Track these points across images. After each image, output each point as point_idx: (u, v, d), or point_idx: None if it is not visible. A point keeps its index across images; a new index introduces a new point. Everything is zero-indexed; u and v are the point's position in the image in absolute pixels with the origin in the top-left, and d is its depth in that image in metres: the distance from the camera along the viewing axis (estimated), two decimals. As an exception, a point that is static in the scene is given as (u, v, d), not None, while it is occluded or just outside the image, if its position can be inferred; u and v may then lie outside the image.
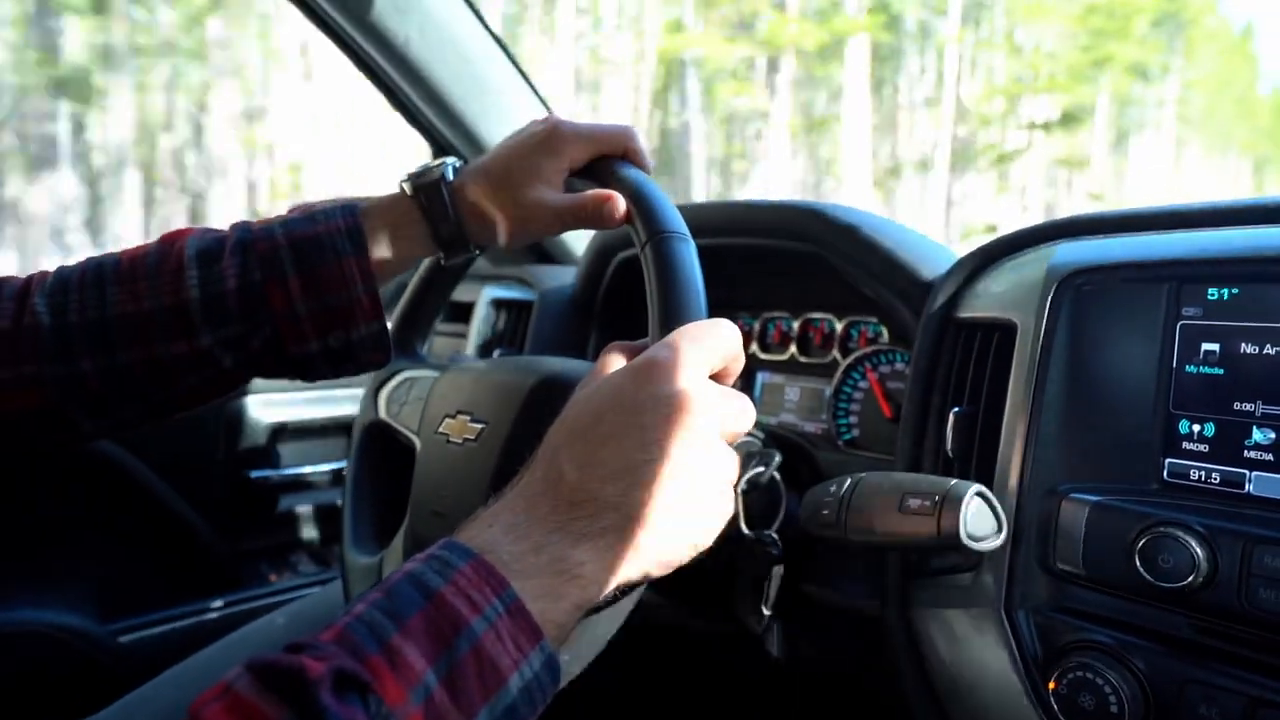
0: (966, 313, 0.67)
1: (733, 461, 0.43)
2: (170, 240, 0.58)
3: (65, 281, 0.56)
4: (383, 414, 0.81)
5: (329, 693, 0.30)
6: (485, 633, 0.34)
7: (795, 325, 1.00)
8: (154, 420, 0.59)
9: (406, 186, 0.60)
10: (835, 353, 0.95)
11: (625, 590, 0.41)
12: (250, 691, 0.30)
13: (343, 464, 0.86)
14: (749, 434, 0.74)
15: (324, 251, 0.56)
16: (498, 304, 1.16)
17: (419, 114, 1.05)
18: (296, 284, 0.56)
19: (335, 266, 0.56)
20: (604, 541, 0.39)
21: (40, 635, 0.99)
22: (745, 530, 0.69)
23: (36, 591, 1.03)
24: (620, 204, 0.56)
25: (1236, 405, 0.51)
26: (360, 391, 0.86)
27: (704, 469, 0.41)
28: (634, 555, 0.39)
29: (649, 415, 0.40)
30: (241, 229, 0.58)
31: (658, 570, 0.41)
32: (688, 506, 0.40)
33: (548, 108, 1.13)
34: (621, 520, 0.39)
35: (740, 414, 0.44)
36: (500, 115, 1.08)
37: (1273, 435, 0.50)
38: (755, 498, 0.71)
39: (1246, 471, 0.51)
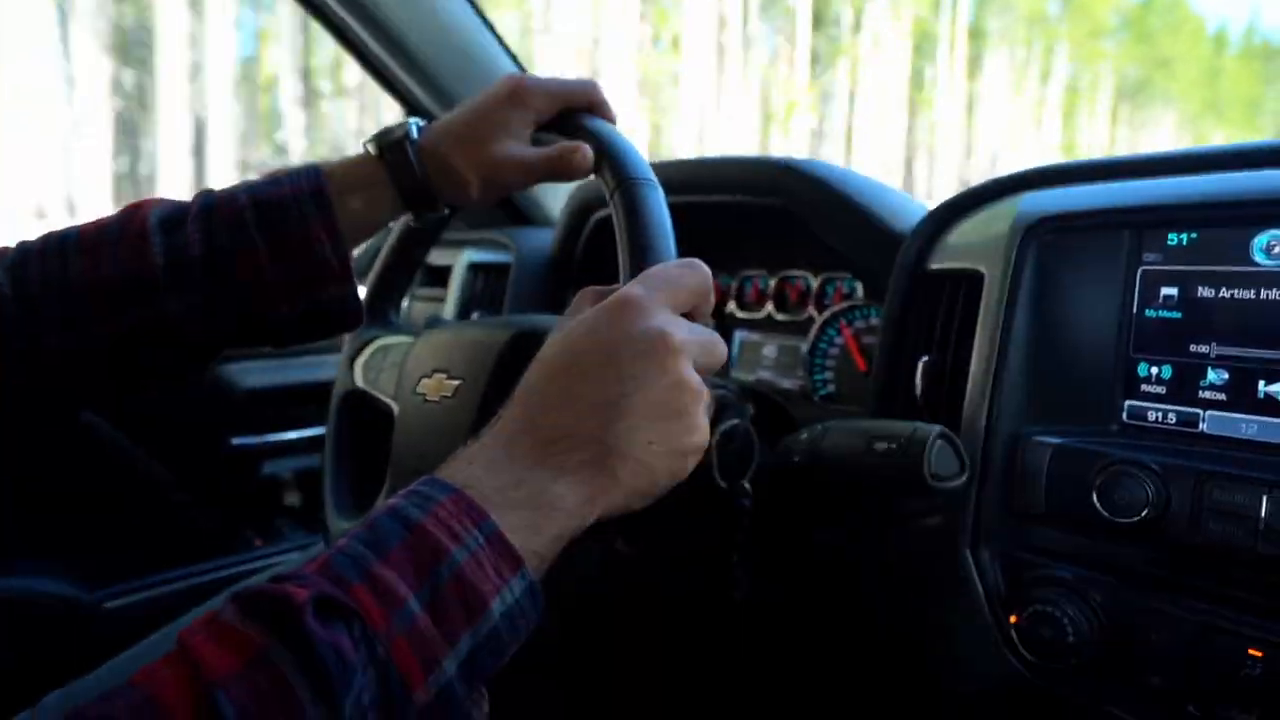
0: (936, 264, 0.68)
1: (707, 395, 0.44)
2: (132, 209, 0.57)
3: (26, 254, 0.55)
4: (359, 382, 0.81)
5: (313, 618, 0.31)
6: (466, 561, 0.35)
7: (772, 283, 1.01)
8: (126, 393, 0.59)
9: (371, 147, 0.60)
10: (811, 309, 0.96)
11: (604, 522, 0.42)
12: (236, 619, 0.31)
13: (323, 430, 0.87)
14: (723, 386, 0.75)
15: (289, 214, 0.56)
16: (475, 267, 1.15)
17: (389, 74, 1.04)
18: (263, 248, 0.55)
19: (301, 229, 0.56)
20: (583, 475, 0.40)
21: (27, 603, 0.99)
22: (719, 481, 0.71)
23: (22, 560, 1.03)
24: (588, 153, 0.56)
25: (1193, 347, 0.53)
26: (337, 355, 0.86)
27: (678, 402, 0.42)
28: (613, 487, 0.40)
29: (623, 351, 0.41)
30: (205, 195, 0.58)
31: (637, 502, 0.42)
32: (664, 439, 0.41)
33: (520, 66, 1.12)
34: (600, 454, 0.40)
35: (713, 348, 0.45)
36: (472, 75, 1.07)
37: (1226, 376, 0.52)
38: (730, 449, 0.72)
39: (1200, 411, 0.52)
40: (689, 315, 0.46)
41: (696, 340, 0.43)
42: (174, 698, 0.29)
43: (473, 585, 0.35)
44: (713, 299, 0.47)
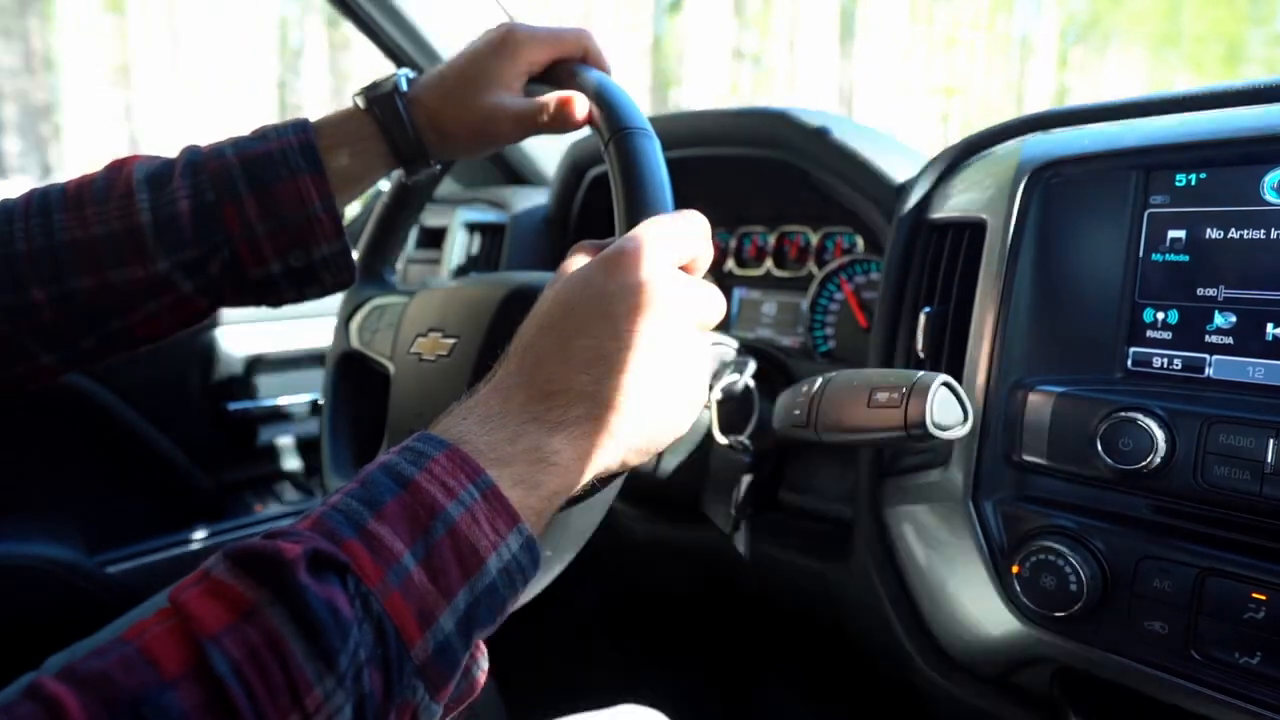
0: (937, 214, 0.67)
1: (705, 348, 0.44)
2: (117, 166, 0.56)
3: (9, 212, 0.54)
4: (355, 343, 0.81)
5: (306, 573, 0.30)
6: (461, 516, 0.34)
7: (771, 240, 0.99)
8: (116, 352, 0.58)
9: (359, 100, 0.58)
10: (811, 265, 0.95)
11: (604, 480, 0.41)
12: (228, 575, 0.31)
13: (319, 395, 0.86)
14: (723, 344, 0.74)
15: (277, 169, 0.55)
16: (471, 227, 1.14)
17: (374, 25, 1.01)
18: (252, 202, 0.54)
19: (290, 184, 0.55)
20: (580, 429, 0.39)
21: (29, 569, 1.00)
22: (719, 436, 0.70)
23: (23, 525, 1.03)
24: (582, 104, 0.55)
25: (1200, 291, 0.52)
26: (334, 320, 0.85)
27: (676, 356, 0.41)
28: (610, 442, 0.40)
29: (619, 305, 0.40)
30: (191, 151, 0.57)
31: (635, 458, 0.42)
32: (662, 393, 0.41)
33: (508, 15, 1.09)
34: (596, 408, 0.39)
35: (710, 302, 0.44)
36: (459, 24, 1.04)
37: (1233, 319, 0.51)
38: (730, 405, 0.72)
39: (1207, 356, 0.51)
40: (686, 268, 0.45)
41: (694, 293, 0.42)
42: (166, 651, 0.28)
43: (469, 542, 0.34)
44: (710, 251, 0.46)
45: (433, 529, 0.34)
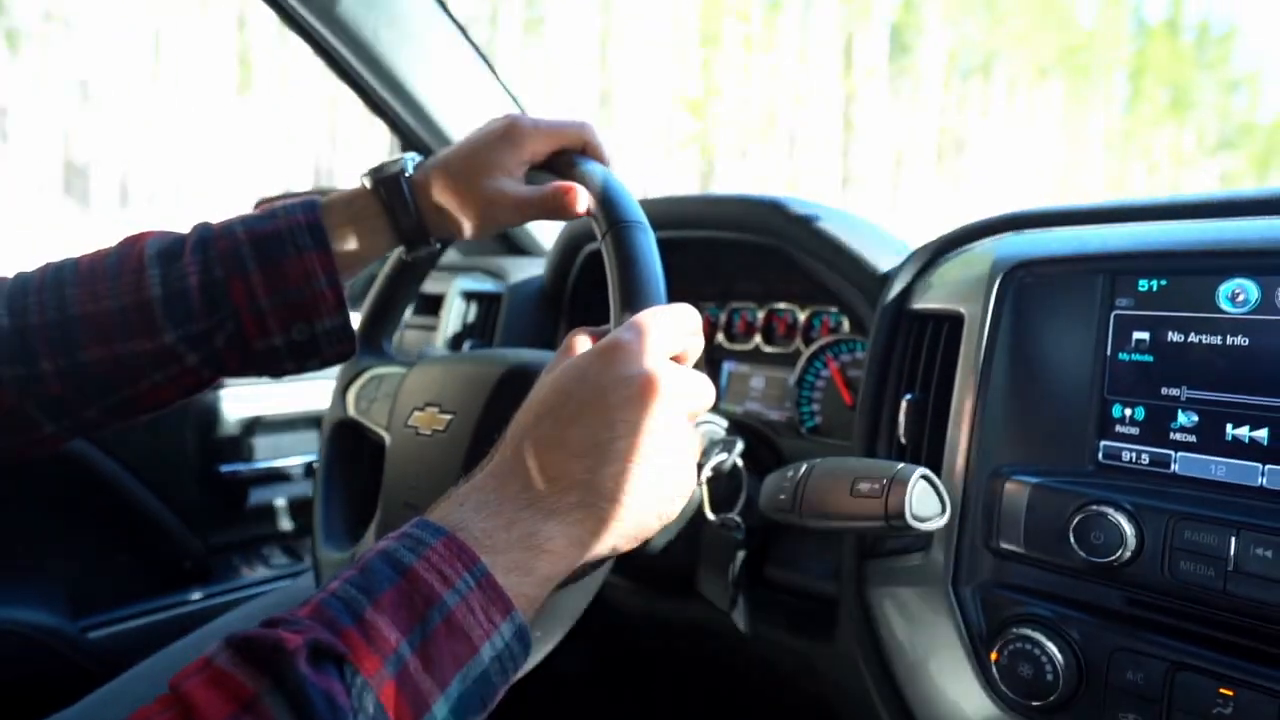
0: (919, 304, 0.70)
1: (695, 437, 0.46)
2: (130, 242, 0.58)
3: (24, 285, 0.56)
4: (351, 412, 0.82)
5: (306, 663, 0.31)
6: (457, 605, 0.36)
7: (760, 315, 1.02)
8: (117, 422, 0.59)
9: (367, 181, 0.61)
10: (799, 342, 0.98)
11: (594, 564, 0.43)
12: (230, 665, 0.32)
13: (314, 457, 0.87)
14: (712, 422, 0.76)
15: (285, 246, 0.57)
16: (468, 296, 1.17)
17: (386, 108, 1.06)
18: (259, 278, 0.56)
19: (297, 261, 0.57)
20: (573, 517, 0.41)
21: (9, 633, 0.98)
22: (710, 514, 0.72)
23: (5, 589, 1.02)
24: (581, 194, 0.57)
25: (1164, 390, 0.55)
26: (331, 383, 0.87)
27: (668, 445, 0.43)
28: (602, 530, 0.41)
29: (614, 395, 0.42)
30: (202, 228, 0.59)
31: (626, 544, 0.43)
32: (653, 482, 0.42)
33: (518, 104, 1.14)
34: (589, 496, 0.41)
35: (701, 392, 0.46)
36: (467, 111, 1.08)
37: (1196, 418, 0.53)
38: (719, 483, 0.73)
39: (1172, 452, 0.54)
40: (678, 359, 0.47)
41: (685, 384, 0.44)
42: None
43: (463, 631, 0.36)
44: (701, 342, 0.49)
45: (429, 618, 0.35)
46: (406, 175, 0.61)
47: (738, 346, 1.04)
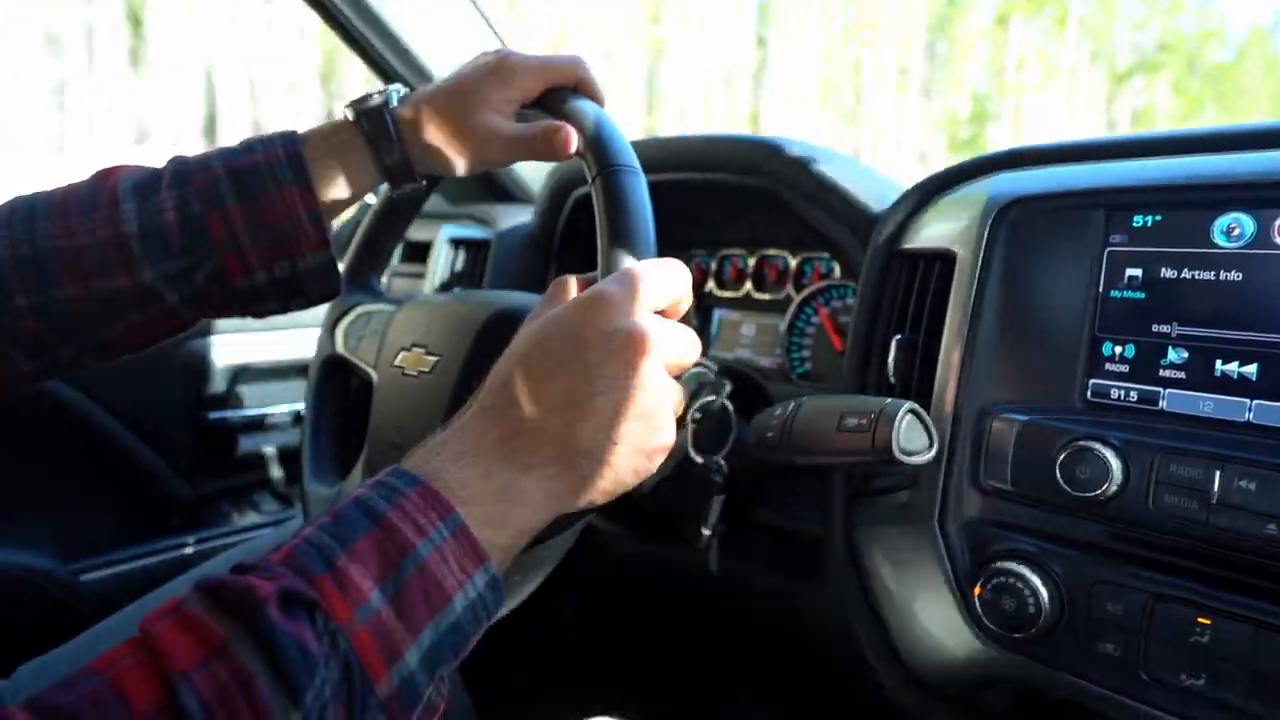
0: (910, 244, 0.69)
1: (677, 394, 0.45)
2: (104, 175, 0.56)
3: None
4: (340, 348, 0.82)
5: (277, 610, 0.31)
6: (430, 555, 0.35)
7: (751, 262, 1.01)
8: (96, 362, 0.58)
9: (349, 113, 0.59)
10: (789, 289, 0.97)
11: (573, 518, 0.42)
12: (199, 609, 0.31)
13: (301, 405, 0.86)
14: (702, 365, 0.76)
15: (264, 180, 0.55)
16: (456, 243, 1.15)
17: (365, 41, 1.02)
18: (238, 214, 0.55)
19: (276, 195, 0.55)
20: (549, 471, 0.40)
21: (2, 575, 0.99)
22: (694, 455, 0.72)
23: (-4, 532, 1.03)
24: (572, 135, 0.55)
25: (1155, 327, 0.54)
26: (318, 331, 0.86)
27: (648, 402, 0.42)
28: (578, 484, 0.41)
29: (595, 350, 0.41)
30: (177, 162, 0.57)
31: (601, 499, 0.43)
32: (631, 438, 0.42)
33: (501, 41, 1.11)
34: (566, 451, 0.40)
35: (685, 348, 0.45)
36: (450, 45, 1.05)
37: (1185, 355, 0.53)
38: (706, 425, 0.73)
39: (1161, 389, 0.54)
40: (664, 313, 0.46)
41: (669, 340, 0.43)
42: (135, 686, 0.29)
43: (436, 579, 0.35)
44: (689, 298, 0.47)
45: (403, 567, 0.35)
46: (391, 108, 0.58)
47: (728, 293, 1.03)
